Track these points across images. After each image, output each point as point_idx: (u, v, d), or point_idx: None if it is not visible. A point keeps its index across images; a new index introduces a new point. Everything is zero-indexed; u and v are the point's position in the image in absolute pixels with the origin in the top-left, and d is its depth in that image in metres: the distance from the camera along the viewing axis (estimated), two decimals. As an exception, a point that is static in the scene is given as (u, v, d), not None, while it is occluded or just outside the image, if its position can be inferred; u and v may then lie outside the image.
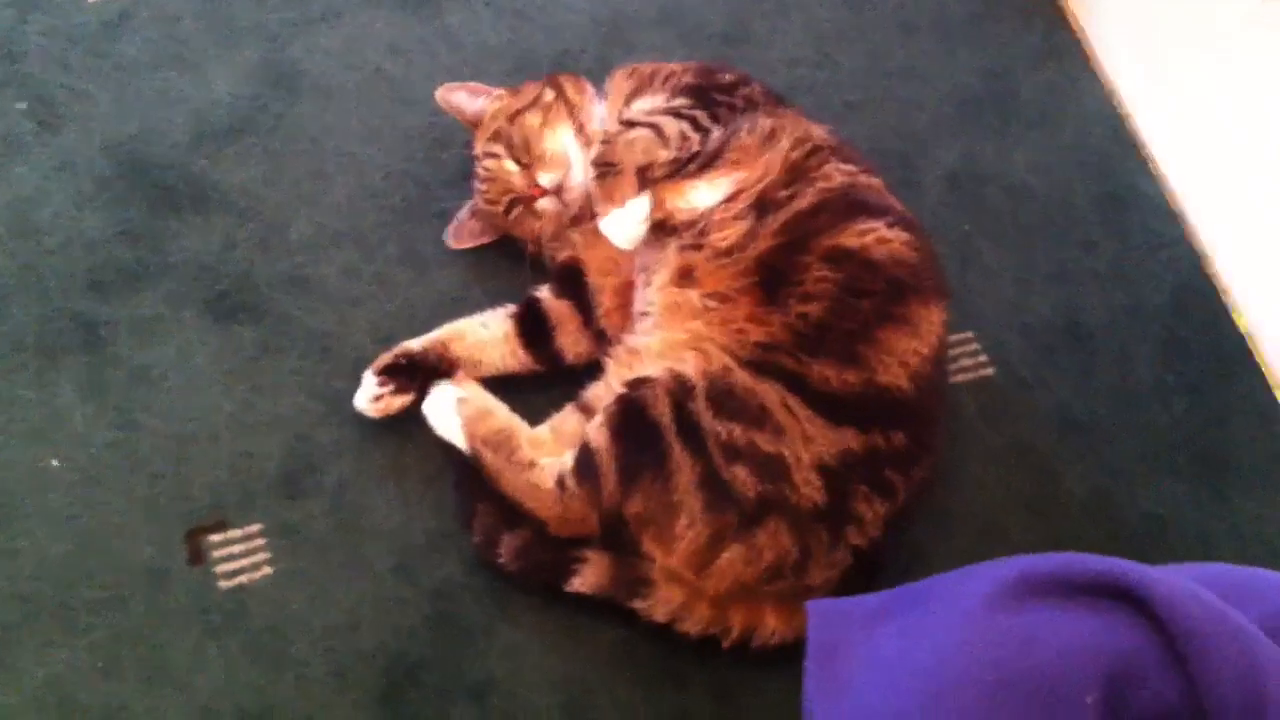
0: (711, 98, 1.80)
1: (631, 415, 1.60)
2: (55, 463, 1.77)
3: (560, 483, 1.64)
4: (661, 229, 1.73)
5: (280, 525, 1.75)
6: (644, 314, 1.73)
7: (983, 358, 1.95)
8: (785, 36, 2.26)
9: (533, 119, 1.87)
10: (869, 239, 1.66)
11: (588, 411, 1.71)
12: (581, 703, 1.66)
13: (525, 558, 1.67)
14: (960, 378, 1.93)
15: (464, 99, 1.95)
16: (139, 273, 1.93)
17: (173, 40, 2.17)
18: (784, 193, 1.70)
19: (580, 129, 1.87)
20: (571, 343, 1.84)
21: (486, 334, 1.84)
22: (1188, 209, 2.11)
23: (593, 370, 1.77)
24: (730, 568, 1.57)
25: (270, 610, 1.69)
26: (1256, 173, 1.99)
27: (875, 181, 1.78)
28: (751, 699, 1.67)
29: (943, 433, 1.73)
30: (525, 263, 1.89)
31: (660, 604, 1.63)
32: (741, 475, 1.55)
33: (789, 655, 1.56)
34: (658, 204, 1.72)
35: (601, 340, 1.81)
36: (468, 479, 1.73)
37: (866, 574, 1.61)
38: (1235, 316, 2.00)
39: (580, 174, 1.83)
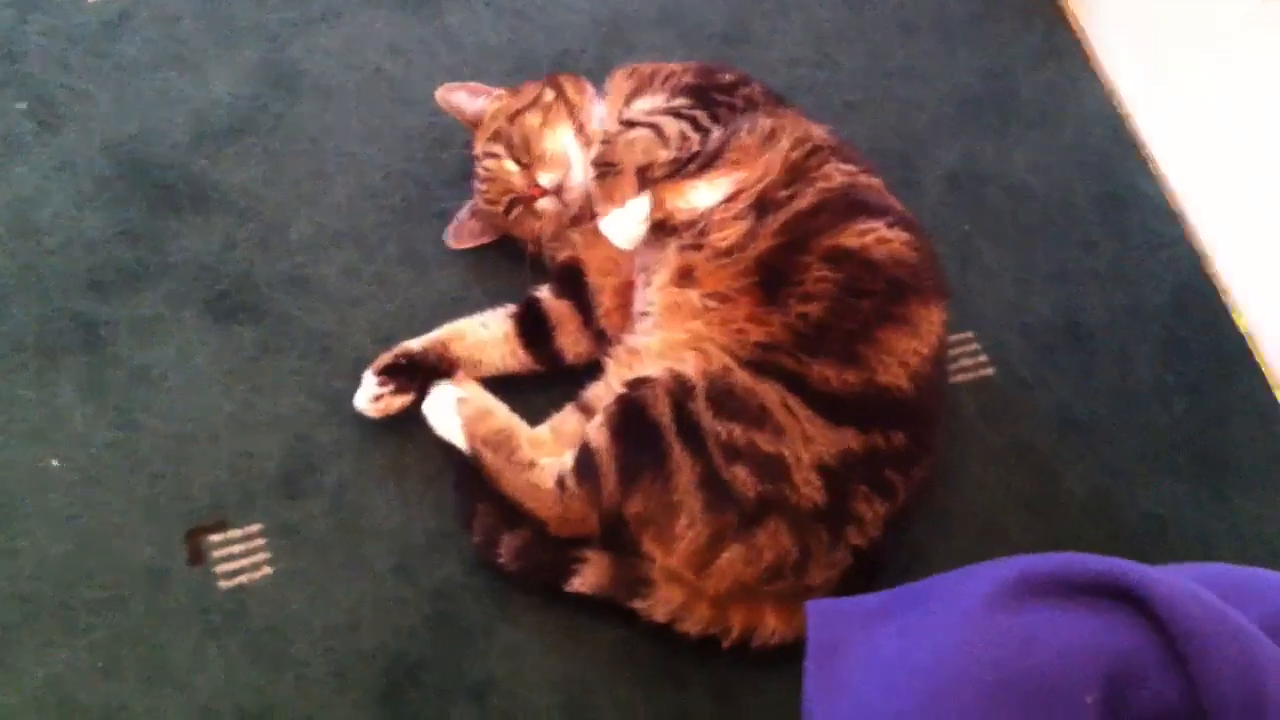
0: (711, 98, 1.80)
1: (631, 415, 1.60)
2: (55, 463, 1.77)
3: (560, 483, 1.64)
4: (661, 229, 1.73)
5: (280, 525, 1.75)
6: (644, 314, 1.73)
7: (983, 358, 1.95)
8: (785, 36, 2.26)
9: (533, 119, 1.87)
10: (869, 239, 1.65)
11: (588, 411, 1.71)
12: (581, 703, 1.66)
13: (525, 558, 1.67)
14: (960, 378, 1.93)
15: (464, 99, 1.95)
16: (139, 273, 1.93)
17: (173, 40, 2.17)
18: (784, 193, 1.70)
19: (580, 129, 1.87)
20: (571, 343, 1.84)
21: (486, 334, 1.84)
22: (1188, 209, 2.11)
23: (593, 370, 1.77)
24: (730, 568, 1.57)
25: (270, 610, 1.69)
26: (1256, 173, 1.99)
27: (875, 181, 1.78)
28: (751, 699, 1.67)
29: (943, 433, 1.73)
30: (525, 263, 1.89)
31: (660, 604, 1.63)
32: (741, 475, 1.55)
33: (789, 655, 1.56)
34: (658, 204, 1.72)
35: (601, 340, 1.81)
36: (468, 479, 1.73)
37: (866, 574, 1.61)
38: (1235, 316, 2.00)
39: (580, 174, 1.83)
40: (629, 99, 1.86)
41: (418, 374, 1.80)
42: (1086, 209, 2.11)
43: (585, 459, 1.62)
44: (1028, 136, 2.18)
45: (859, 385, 1.60)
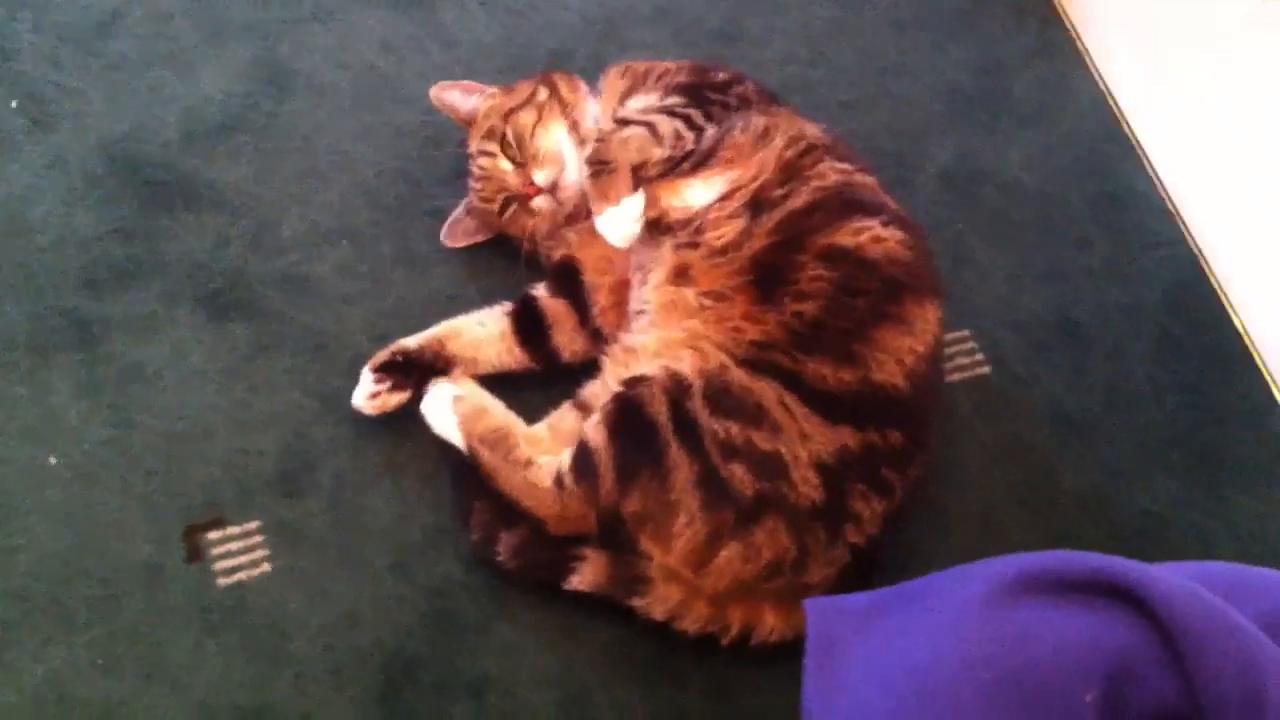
0: (705, 96, 1.81)
1: (629, 414, 1.60)
2: (53, 460, 1.76)
3: (558, 481, 1.64)
4: (656, 227, 1.73)
5: (278, 523, 1.75)
6: (640, 312, 1.73)
7: (979, 356, 1.96)
8: (779, 35, 2.27)
9: (527, 117, 1.87)
10: (864, 237, 1.66)
11: (585, 410, 1.71)
12: (579, 701, 1.66)
13: (523, 556, 1.67)
14: (956, 376, 1.93)
15: (458, 97, 1.95)
16: (132, 271, 1.93)
17: (164, 38, 2.16)
18: (779, 191, 1.70)
19: (574, 127, 1.87)
20: (568, 341, 1.84)
21: (483, 332, 1.84)
22: (1183, 207, 2.11)
23: (590, 368, 1.77)
24: (728, 566, 1.58)
25: (268, 607, 1.69)
26: (1254, 172, 1.99)
27: (870, 180, 1.78)
28: (749, 698, 1.67)
29: (936, 431, 1.73)
30: (520, 261, 1.89)
31: (658, 602, 1.63)
32: (739, 473, 1.55)
33: (786, 653, 1.56)
34: (652, 202, 1.72)
35: (598, 339, 1.81)
36: (465, 477, 1.72)
37: (864, 572, 1.61)
38: (1231, 314, 2.01)
39: (575, 172, 1.83)
40: (623, 97, 1.86)
41: (414, 371, 1.79)
42: (1081, 207, 2.11)
43: (583, 457, 1.62)
44: (1022, 134, 2.18)
45: (855, 384, 1.60)
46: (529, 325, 1.84)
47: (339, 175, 2.05)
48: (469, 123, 1.94)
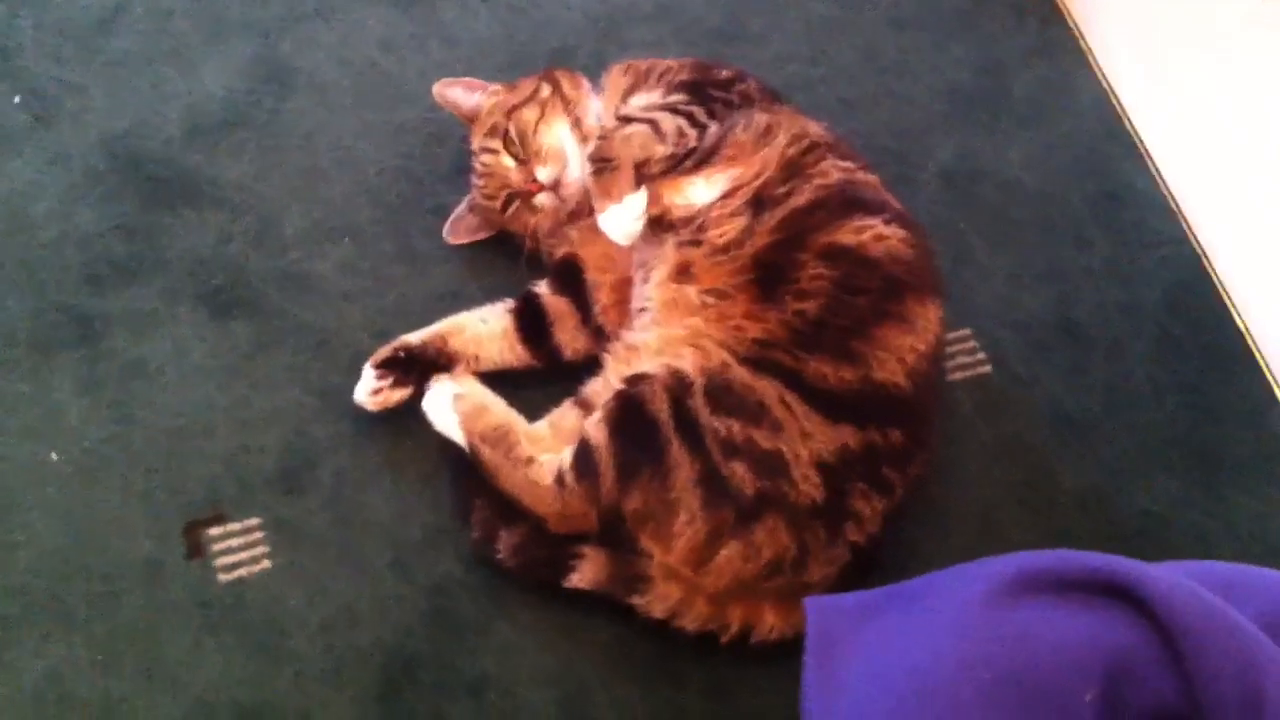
0: (708, 94, 1.81)
1: (630, 412, 1.60)
2: (54, 457, 1.77)
3: (559, 479, 1.64)
4: (659, 225, 1.73)
5: (278, 520, 1.75)
6: (642, 310, 1.73)
7: (980, 355, 1.95)
8: (780, 33, 2.27)
9: (529, 114, 1.87)
10: (866, 236, 1.65)
11: (586, 407, 1.71)
12: (578, 699, 1.66)
13: (523, 554, 1.67)
14: (958, 375, 1.93)
15: (460, 94, 1.95)
16: (133, 267, 1.93)
17: (166, 35, 2.17)
18: (781, 189, 1.69)
19: (577, 124, 1.87)
20: (570, 339, 1.84)
21: (485, 329, 1.84)
22: (1184, 206, 2.11)
23: (591, 366, 1.77)
24: (729, 564, 1.57)
25: (268, 605, 1.69)
26: (1254, 171, 1.99)
27: (872, 178, 1.78)
28: (748, 697, 1.67)
29: (937, 430, 1.73)
30: (521, 259, 1.89)
31: (658, 600, 1.63)
32: (740, 472, 1.55)
33: (786, 652, 1.56)
34: (654, 200, 1.72)
35: (600, 336, 1.81)
36: (465, 475, 1.72)
37: (864, 571, 1.61)
38: (1232, 314, 2.01)
39: (577, 169, 1.83)
40: (626, 95, 1.87)
41: (416, 368, 1.80)
42: (1082, 206, 2.11)
43: (584, 455, 1.62)
44: (1022, 133, 2.18)
45: (856, 382, 1.60)
46: (531, 323, 1.84)
47: (341, 172, 2.05)
48: (472, 120, 1.94)
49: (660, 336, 1.67)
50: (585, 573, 1.65)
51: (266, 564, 1.71)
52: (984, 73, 2.25)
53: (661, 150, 1.73)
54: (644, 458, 1.58)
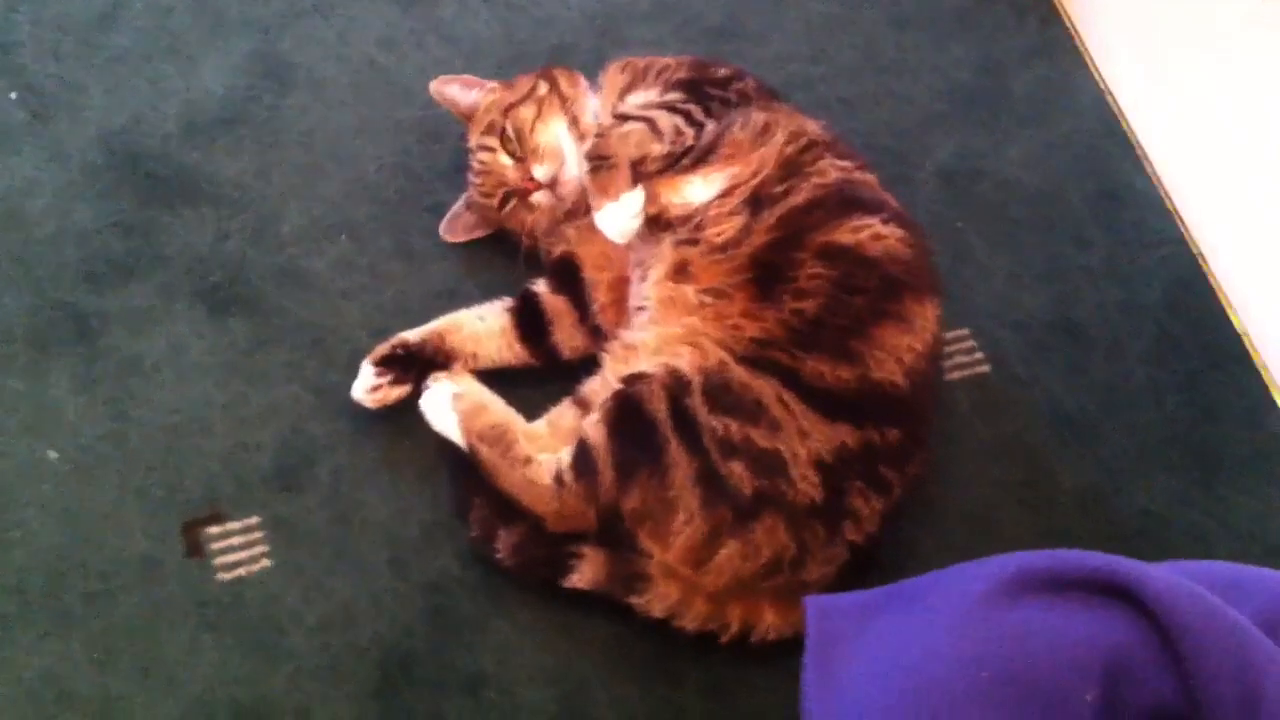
0: (705, 92, 1.80)
1: (628, 411, 1.60)
2: (53, 454, 1.76)
3: (557, 478, 1.63)
4: (656, 224, 1.73)
5: (277, 518, 1.75)
6: (640, 309, 1.73)
7: (979, 355, 1.95)
8: (780, 32, 2.26)
9: (527, 112, 1.87)
10: (864, 235, 1.65)
11: (584, 406, 1.71)
12: (577, 698, 1.66)
13: (522, 553, 1.67)
14: (956, 375, 1.93)
15: (458, 92, 1.95)
16: (131, 264, 1.93)
17: (165, 31, 2.17)
18: (779, 188, 1.69)
19: (574, 122, 1.87)
20: (568, 338, 1.84)
21: (483, 326, 1.84)
22: (1183, 207, 2.11)
23: (589, 364, 1.77)
24: (728, 563, 1.57)
25: (266, 603, 1.69)
26: (1253, 171, 1.99)
27: (870, 177, 1.78)
28: (747, 696, 1.67)
29: (931, 428, 1.73)
30: (519, 257, 1.89)
31: (657, 600, 1.63)
32: (738, 471, 1.55)
33: (784, 651, 1.57)
34: (652, 198, 1.71)
35: (598, 335, 1.81)
36: (464, 474, 1.72)
37: (862, 570, 1.61)
38: (1230, 314, 2.01)
39: (574, 167, 1.83)
40: (623, 93, 1.86)
41: (414, 365, 1.80)
42: (1081, 206, 2.11)
43: (582, 455, 1.62)
44: (1021, 133, 2.18)
45: (854, 381, 1.60)
46: (529, 321, 1.84)
47: (339, 169, 2.05)
48: (469, 117, 1.94)
49: (658, 335, 1.67)
50: (584, 572, 1.65)
51: (265, 563, 1.71)
52: (983, 72, 2.25)
53: (658, 148, 1.73)
54: (642, 457, 1.58)
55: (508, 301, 1.86)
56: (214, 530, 1.73)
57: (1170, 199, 2.12)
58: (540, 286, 1.86)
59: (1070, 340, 1.97)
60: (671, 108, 1.77)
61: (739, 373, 1.59)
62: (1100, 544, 1.31)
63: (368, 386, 1.78)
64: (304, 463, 1.79)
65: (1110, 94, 2.24)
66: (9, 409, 1.80)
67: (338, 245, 1.97)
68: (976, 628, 1.23)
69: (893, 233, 1.67)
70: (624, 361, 1.68)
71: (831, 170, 1.73)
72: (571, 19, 2.25)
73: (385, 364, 1.79)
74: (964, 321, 1.97)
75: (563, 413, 1.74)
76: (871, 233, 1.66)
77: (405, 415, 1.78)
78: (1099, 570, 1.22)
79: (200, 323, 1.89)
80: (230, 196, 2.00)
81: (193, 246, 1.95)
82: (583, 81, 1.93)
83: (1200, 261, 2.06)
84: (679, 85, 1.82)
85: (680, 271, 1.69)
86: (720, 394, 1.58)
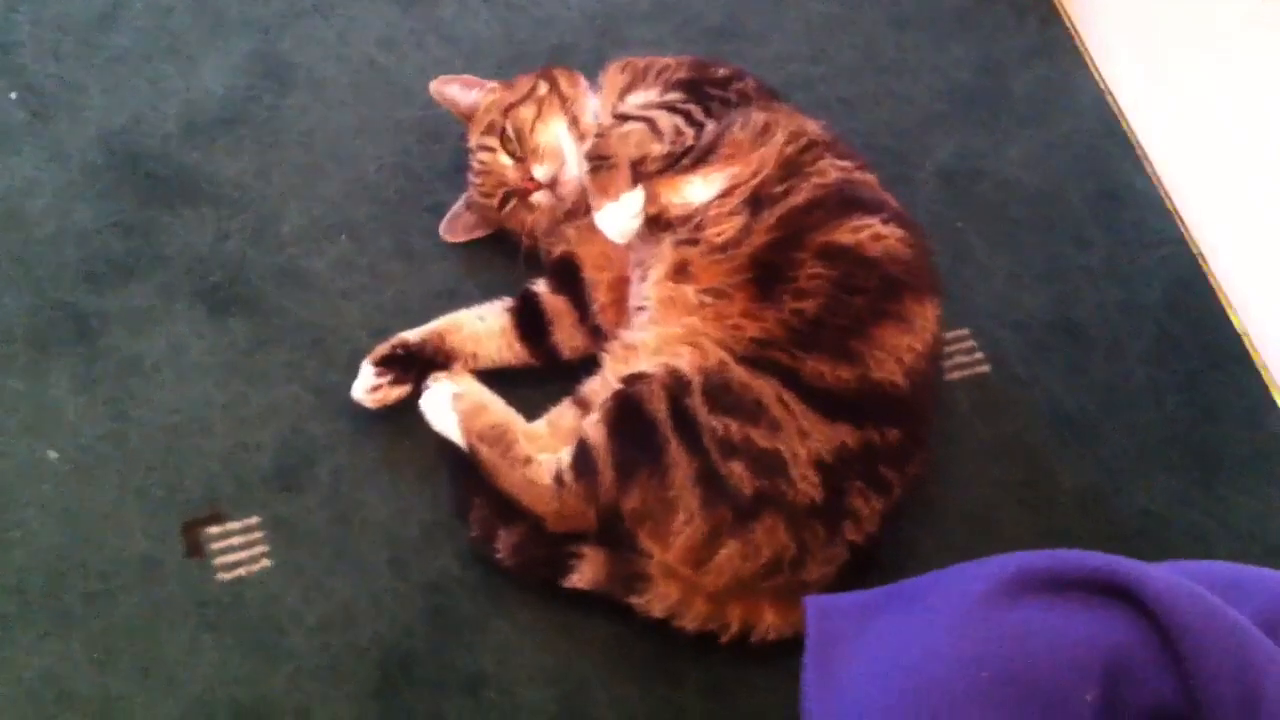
0: (705, 92, 1.80)
1: (628, 411, 1.60)
2: (53, 454, 1.76)
3: (558, 479, 1.63)
4: (656, 224, 1.73)
5: (277, 518, 1.75)
6: (640, 309, 1.73)
7: (979, 355, 1.95)
8: (779, 32, 2.26)
9: (527, 112, 1.87)
10: (864, 235, 1.65)
11: (585, 406, 1.71)
12: (576, 698, 1.66)
13: (522, 553, 1.67)
14: (956, 375, 1.93)
15: (458, 92, 1.95)
16: (131, 264, 1.93)
17: (165, 31, 2.17)
18: (779, 188, 1.69)
19: (574, 122, 1.87)
20: (568, 338, 1.84)
21: (483, 326, 1.84)
22: (1183, 206, 2.11)
23: (590, 364, 1.77)
24: (728, 563, 1.57)
25: (266, 603, 1.69)
26: (1253, 171, 1.99)
27: (870, 177, 1.78)
28: (746, 696, 1.67)
29: (931, 428, 1.73)
30: (519, 257, 1.89)
31: (658, 600, 1.62)
32: (738, 471, 1.55)
33: (783, 651, 1.57)
34: (652, 198, 1.71)
35: (598, 335, 1.81)
36: (464, 473, 1.72)
37: (862, 570, 1.61)
38: (1230, 314, 2.01)
39: (574, 167, 1.83)
40: (623, 93, 1.86)
41: (415, 365, 1.80)
42: (1081, 206, 2.11)
43: (582, 455, 1.62)
44: (1021, 133, 2.18)
45: (854, 381, 1.60)
46: (529, 321, 1.84)
47: (339, 169, 2.05)
48: (469, 117, 1.94)
49: (658, 335, 1.67)
50: (585, 572, 1.65)
51: (265, 563, 1.71)
52: (983, 72, 2.25)
53: (658, 148, 1.73)
54: (642, 457, 1.58)
55: (508, 301, 1.86)
56: (214, 530, 1.73)
57: (1170, 199, 2.12)
58: (540, 286, 1.86)
59: (1070, 340, 1.97)
60: (671, 108, 1.77)
61: (739, 373, 1.59)
62: (1100, 544, 1.31)
63: (368, 386, 1.78)
64: (304, 463, 1.79)
65: (1110, 94, 2.24)
66: (9, 409, 1.80)
67: (338, 245, 1.97)
68: (976, 628, 1.23)
69: (893, 233, 1.67)
70: (624, 361, 1.68)
71: (831, 170, 1.73)
72: (571, 19, 2.25)
73: (385, 364, 1.79)
74: (964, 321, 1.97)
75: (563, 413, 1.74)
76: (871, 233, 1.66)
77: (405, 415, 1.78)
78: (1099, 570, 1.22)
79: (200, 323, 1.89)
80: (230, 196, 2.00)
81: (193, 246, 1.95)
82: (583, 81, 1.93)
83: (1200, 261, 2.06)
84: (679, 85, 1.82)
85: (680, 271, 1.69)
86: (720, 394, 1.58)
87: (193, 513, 1.74)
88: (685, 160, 1.74)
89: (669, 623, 1.63)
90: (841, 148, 1.79)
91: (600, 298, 1.82)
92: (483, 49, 2.20)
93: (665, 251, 1.71)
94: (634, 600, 1.64)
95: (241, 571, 1.70)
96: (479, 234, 1.98)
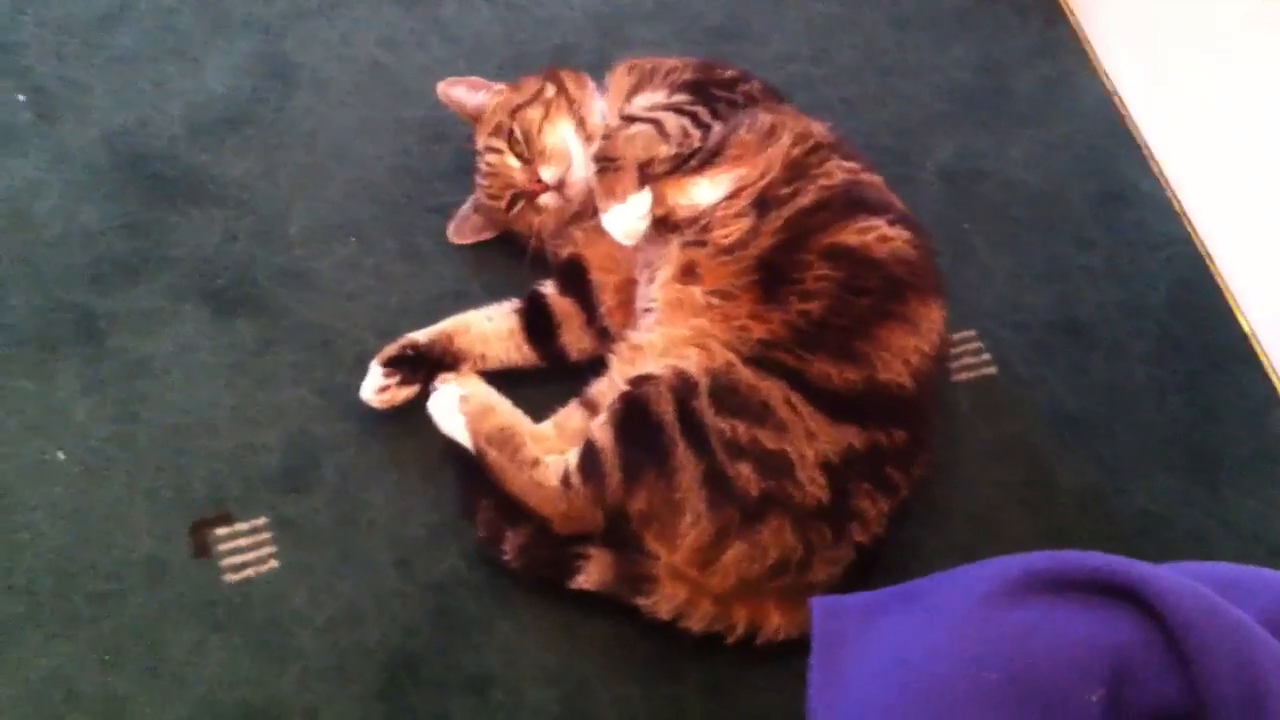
0: (712, 93, 1.81)
1: (635, 413, 1.60)
2: (61, 455, 1.77)
3: (565, 480, 1.64)
4: (663, 225, 1.73)
5: (284, 519, 1.75)
6: (647, 310, 1.73)
7: (986, 356, 1.96)
8: (781, 32, 2.27)
9: (534, 114, 1.87)
10: (870, 237, 1.66)
11: (592, 408, 1.71)
12: (580, 697, 1.66)
13: (528, 554, 1.67)
14: (964, 376, 1.93)
15: (464, 93, 1.95)
16: (138, 265, 1.93)
17: (169, 32, 2.17)
18: (785, 190, 1.70)
19: (581, 124, 1.87)
20: (575, 339, 1.84)
21: (491, 327, 1.84)
22: (1187, 206, 2.11)
23: (597, 366, 1.77)
24: (734, 565, 1.58)
25: (273, 603, 1.69)
26: (1257, 171, 1.99)
27: (876, 179, 1.78)
28: (748, 696, 1.67)
29: (934, 429, 1.73)
30: (526, 258, 1.89)
31: (664, 601, 1.63)
32: (745, 472, 1.56)
33: (786, 651, 1.59)
34: (659, 200, 1.72)
35: (605, 337, 1.81)
36: (470, 475, 1.73)
37: (866, 571, 1.62)
38: (1235, 314, 2.01)
39: (581, 169, 1.83)
40: (630, 94, 1.86)
41: (422, 366, 1.80)
42: (1083, 206, 2.11)
43: (589, 457, 1.62)
44: (1024, 133, 2.19)
45: (860, 383, 1.60)
46: (537, 323, 1.84)
47: (343, 170, 2.06)
48: (475, 119, 1.94)
49: (665, 337, 1.67)
50: (591, 573, 1.65)
51: (273, 564, 1.71)
52: (985, 72, 2.25)
53: (665, 150, 1.73)
54: (649, 459, 1.58)
55: (515, 303, 1.87)
56: (221, 531, 1.73)
57: (1173, 199, 2.12)
58: (548, 288, 1.86)
59: (1073, 340, 1.98)
60: (678, 109, 1.77)
61: (746, 374, 1.59)
62: (1102, 544, 1.31)
63: (376, 387, 1.78)
64: (311, 464, 1.79)
65: (1113, 93, 2.24)
66: (17, 410, 1.80)
67: (344, 246, 1.98)
68: (978, 628, 1.23)
69: (899, 234, 1.68)
70: (631, 363, 1.69)
71: (837, 172, 1.73)
72: (574, 19, 2.26)
73: (393, 365, 1.79)
74: (970, 323, 1.97)
75: (570, 414, 1.74)
76: (878, 234, 1.66)
77: (412, 416, 1.79)
78: (1101, 570, 1.22)
79: (207, 324, 1.89)
80: (236, 197, 2.00)
81: (199, 248, 1.95)
82: (589, 83, 1.94)
83: (1206, 261, 2.07)
84: (685, 87, 1.82)
85: (687, 273, 1.69)
86: (727, 395, 1.58)
87: (200, 514, 1.74)
88: (692, 162, 1.74)
89: (674, 624, 1.63)
90: (847, 149, 1.80)
91: (607, 299, 1.82)
92: (485, 49, 2.20)
93: (672, 253, 1.71)
94: (640, 601, 1.64)
95: (249, 572, 1.71)
96: (486, 236, 1.98)
